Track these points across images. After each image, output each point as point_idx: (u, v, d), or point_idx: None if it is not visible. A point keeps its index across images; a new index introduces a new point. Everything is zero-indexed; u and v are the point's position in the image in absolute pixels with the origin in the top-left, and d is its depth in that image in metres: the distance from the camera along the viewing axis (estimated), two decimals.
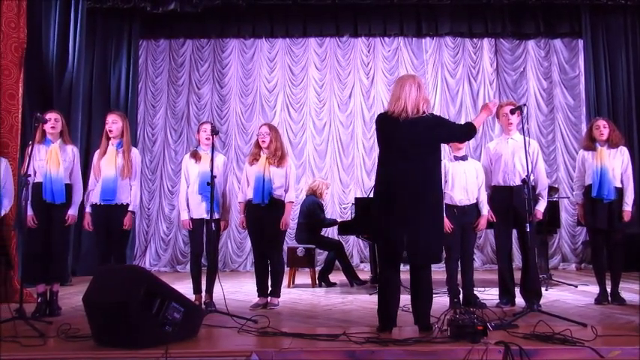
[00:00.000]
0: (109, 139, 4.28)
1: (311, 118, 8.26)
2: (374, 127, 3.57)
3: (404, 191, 3.22)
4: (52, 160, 4.10)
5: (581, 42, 8.11)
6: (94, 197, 4.23)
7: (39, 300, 4.10)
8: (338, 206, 8.04)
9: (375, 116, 3.60)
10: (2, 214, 4.04)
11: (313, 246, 6.00)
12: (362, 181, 8.06)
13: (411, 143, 3.26)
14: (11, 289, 4.74)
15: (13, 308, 3.53)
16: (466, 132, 3.45)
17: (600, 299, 4.43)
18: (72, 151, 4.27)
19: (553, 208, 5.51)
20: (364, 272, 6.95)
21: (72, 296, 4.98)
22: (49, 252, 4.10)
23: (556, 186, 7.18)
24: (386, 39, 8.33)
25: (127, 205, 4.24)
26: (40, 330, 3.22)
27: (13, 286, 4.76)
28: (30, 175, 3.84)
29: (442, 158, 3.57)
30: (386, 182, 3.30)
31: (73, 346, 2.94)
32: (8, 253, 4.76)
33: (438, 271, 5.08)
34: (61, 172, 4.11)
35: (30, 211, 3.99)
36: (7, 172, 4.15)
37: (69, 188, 4.19)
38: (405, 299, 3.53)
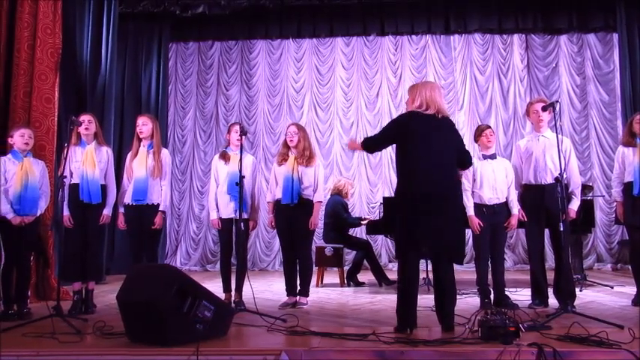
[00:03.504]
0: (140, 140, 4.37)
1: (338, 117, 8.24)
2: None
3: (436, 189, 3.22)
4: (87, 161, 4.21)
5: (615, 36, 7.85)
6: (127, 197, 4.33)
7: (75, 298, 4.22)
8: (366, 205, 8.01)
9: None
10: (38, 214, 4.17)
11: (341, 245, 6.00)
12: (390, 180, 7.99)
13: (446, 142, 3.31)
14: (49, 288, 4.90)
15: (51, 306, 3.65)
16: (470, 161, 3.53)
17: (638, 300, 4.30)
18: (106, 152, 4.38)
19: (588, 206, 5.37)
20: (393, 272, 6.89)
21: (106, 294, 5.10)
22: (86, 251, 4.22)
23: (590, 184, 6.99)
24: (413, 37, 8.26)
25: (158, 205, 4.32)
26: (77, 327, 3.31)
27: (50, 284, 4.91)
28: (66, 177, 3.96)
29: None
30: (420, 180, 3.27)
31: (108, 342, 3.02)
32: (46, 252, 4.91)
33: (469, 271, 5.01)
34: (96, 174, 4.22)
35: (66, 211, 4.13)
36: (44, 174, 4.28)
37: (104, 189, 4.30)
38: (430, 299, 3.50)
